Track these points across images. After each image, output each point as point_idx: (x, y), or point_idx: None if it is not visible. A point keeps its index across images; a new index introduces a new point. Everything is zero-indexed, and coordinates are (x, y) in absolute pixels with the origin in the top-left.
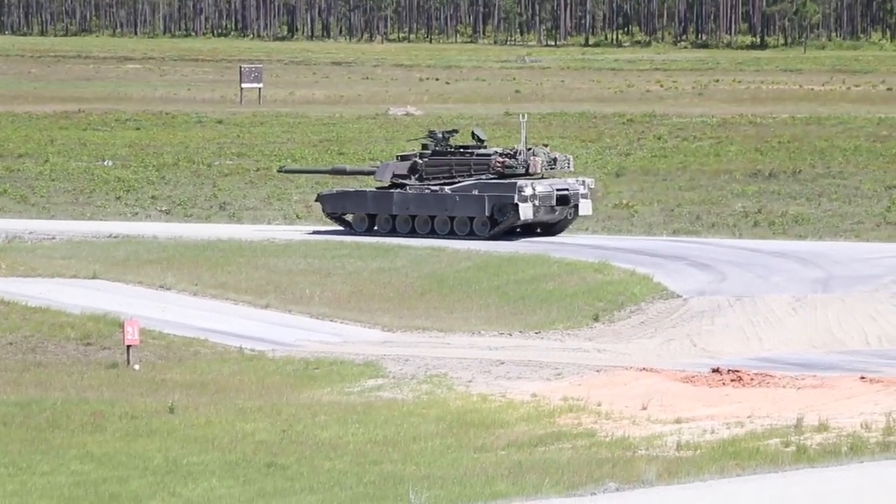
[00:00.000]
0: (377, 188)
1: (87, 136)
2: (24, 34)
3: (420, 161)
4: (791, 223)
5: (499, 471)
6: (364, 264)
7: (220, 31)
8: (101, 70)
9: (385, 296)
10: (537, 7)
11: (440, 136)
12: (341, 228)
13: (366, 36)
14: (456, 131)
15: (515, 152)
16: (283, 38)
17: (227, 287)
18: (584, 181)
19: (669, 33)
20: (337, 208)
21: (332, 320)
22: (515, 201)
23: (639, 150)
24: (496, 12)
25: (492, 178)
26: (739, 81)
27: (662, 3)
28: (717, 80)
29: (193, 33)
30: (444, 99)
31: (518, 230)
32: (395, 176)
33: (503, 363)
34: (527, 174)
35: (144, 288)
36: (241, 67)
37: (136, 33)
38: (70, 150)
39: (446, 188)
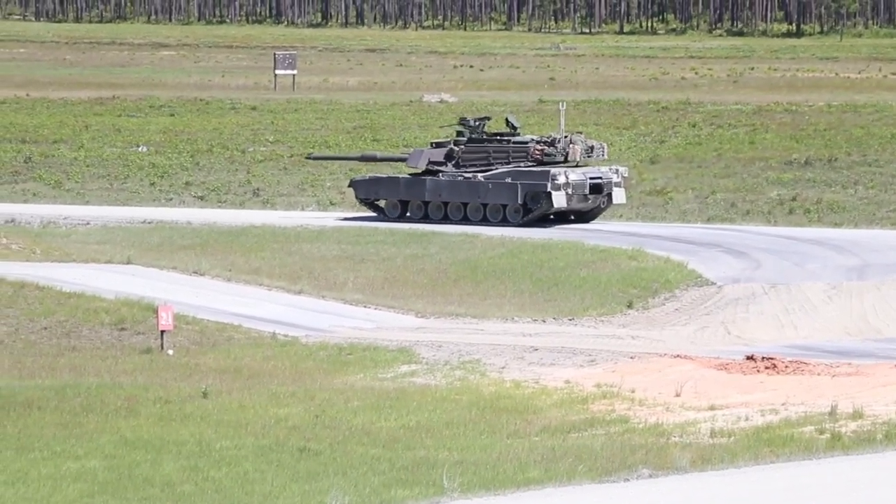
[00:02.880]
0: (410, 174)
1: (121, 123)
2: (60, 21)
3: (456, 148)
4: (826, 211)
5: (532, 457)
6: (397, 250)
7: (254, 18)
8: (135, 57)
9: (418, 282)
10: None
11: (473, 123)
12: (374, 214)
13: (400, 23)
14: (488, 118)
15: (553, 140)
16: (317, 26)
17: (260, 273)
18: (617, 169)
19: (704, 21)
20: (370, 194)
21: (365, 306)
22: (548, 189)
23: (673, 138)
24: (531, 0)
25: (528, 166)
26: (775, 69)
27: None
28: (753, 68)
29: (228, 20)
30: (478, 86)
31: (551, 217)
32: (430, 163)
33: (537, 349)
34: (565, 162)
35: (178, 273)
36: (275, 54)
37: (170, 20)
38: (104, 136)
39: (479, 175)
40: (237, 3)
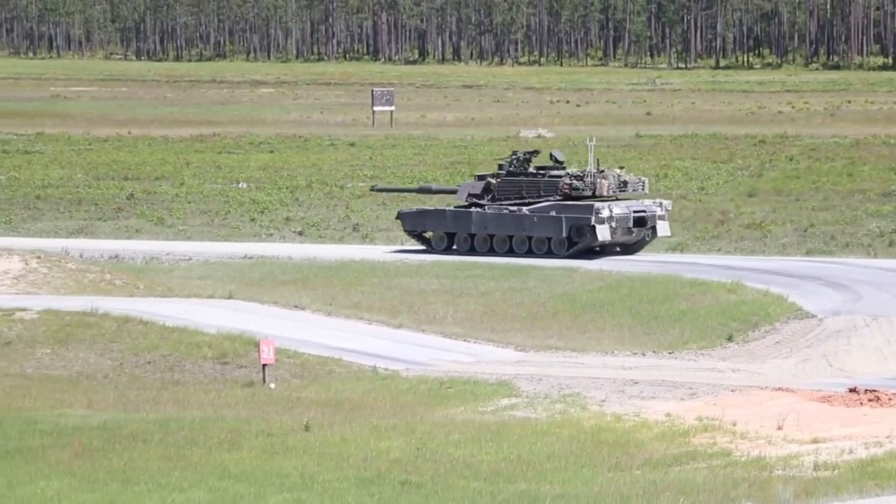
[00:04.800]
0: (456, 206)
1: (221, 159)
2: (160, 59)
3: (493, 181)
4: None
5: (634, 490)
6: (496, 284)
7: (351, 55)
8: (235, 94)
9: (518, 315)
10: (668, 30)
11: (521, 156)
12: (423, 248)
13: (496, 59)
14: (537, 152)
15: (584, 174)
16: (414, 62)
17: (360, 307)
18: (661, 203)
19: (800, 55)
20: (416, 226)
21: (465, 340)
22: (592, 223)
23: (771, 171)
24: (626, 35)
25: (573, 200)
26: (872, 102)
27: (793, 25)
28: (850, 101)
29: (326, 57)
30: (574, 121)
31: (597, 249)
32: (469, 196)
33: (637, 383)
34: (594, 196)
35: (279, 308)
36: (372, 91)
37: (269, 58)
38: (205, 173)
39: (524, 209)
40: (335, 41)
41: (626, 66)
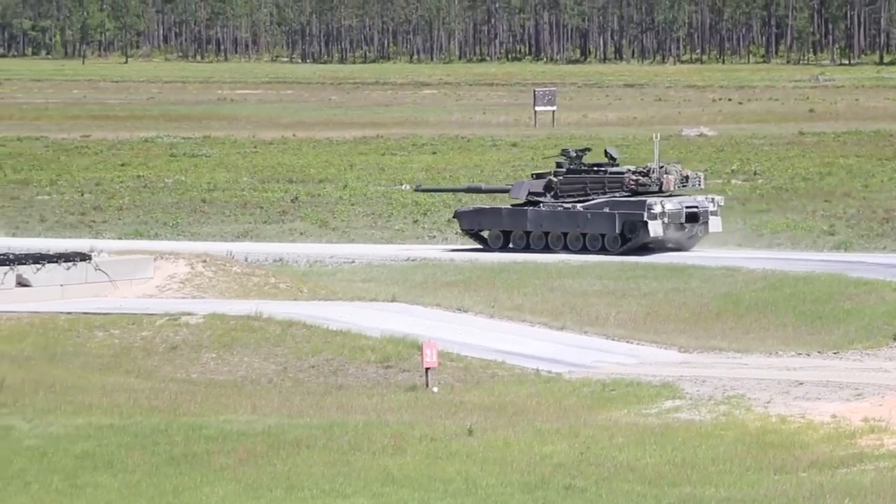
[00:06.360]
0: (512, 205)
1: (385, 161)
2: (325, 62)
3: (555, 179)
4: None
5: (800, 493)
6: (659, 285)
7: (513, 55)
8: (398, 96)
9: (680, 316)
10: (830, 26)
11: (573, 154)
12: (479, 246)
13: (658, 58)
14: (589, 149)
15: (649, 170)
16: (575, 62)
17: (523, 309)
18: (713, 199)
19: None
20: (473, 225)
21: (627, 341)
22: (645, 219)
23: None
24: (789, 32)
25: (624, 196)
26: None
27: None
28: None
29: (488, 58)
30: (737, 119)
31: (651, 246)
32: (530, 194)
33: (802, 384)
34: (660, 191)
35: (442, 310)
36: (534, 91)
37: (432, 59)
38: (369, 175)
39: (578, 206)
40: (497, 41)
41: (788, 62)
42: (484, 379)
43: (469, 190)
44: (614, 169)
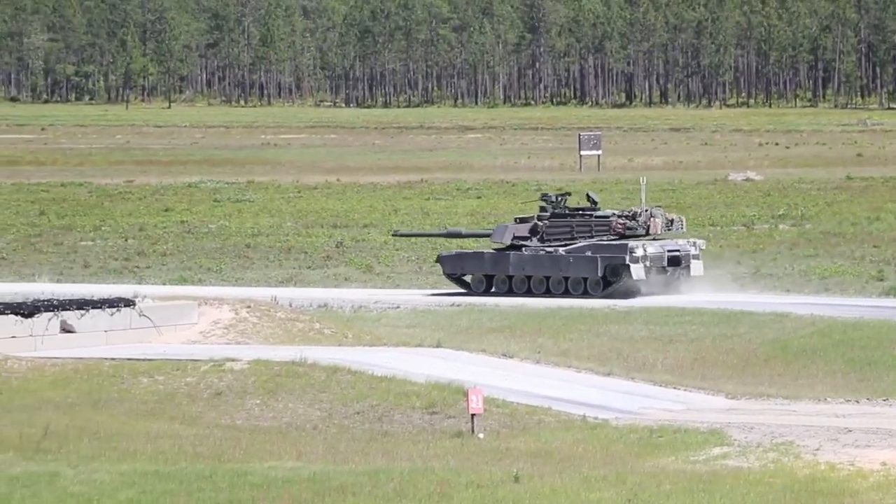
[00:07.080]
0: (494, 249)
1: (429, 206)
2: (369, 106)
3: (540, 223)
4: None
5: None
6: (706, 330)
7: (558, 99)
8: (442, 140)
9: (728, 362)
10: (878, 70)
11: (554, 199)
12: (462, 290)
13: (704, 101)
14: (569, 194)
15: (635, 214)
16: (621, 106)
17: (569, 354)
18: (695, 242)
19: None
20: (456, 269)
21: (675, 387)
22: (627, 262)
23: None
24: (836, 76)
25: (607, 239)
26: None
27: None
28: None
29: (532, 102)
30: (784, 163)
31: (633, 290)
32: (515, 238)
33: (851, 431)
34: (646, 235)
35: (487, 356)
36: (579, 135)
37: (476, 103)
38: (413, 220)
39: (561, 250)
40: (542, 85)
41: (835, 106)
42: (530, 425)
43: (449, 235)
44: (600, 213)
